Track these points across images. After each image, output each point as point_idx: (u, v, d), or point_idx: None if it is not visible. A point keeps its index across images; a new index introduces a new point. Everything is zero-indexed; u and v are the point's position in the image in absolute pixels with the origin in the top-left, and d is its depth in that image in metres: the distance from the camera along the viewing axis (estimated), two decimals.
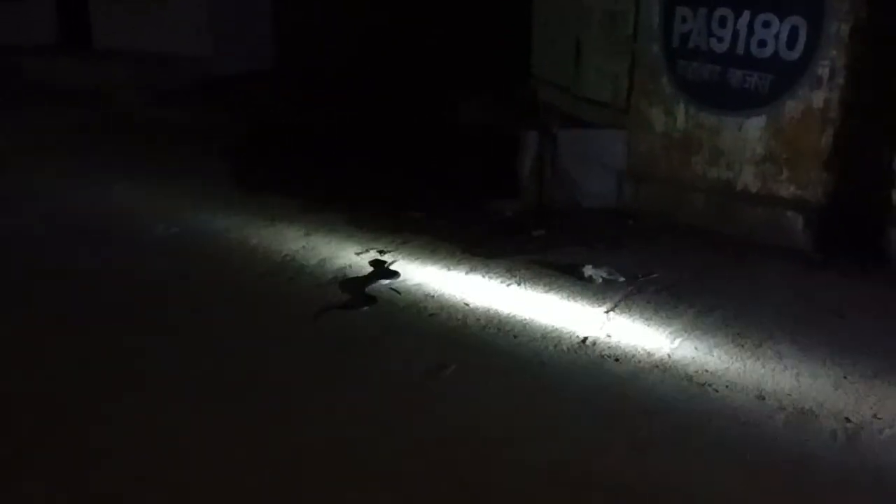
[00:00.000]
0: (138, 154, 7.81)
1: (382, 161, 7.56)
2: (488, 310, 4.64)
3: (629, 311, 4.65)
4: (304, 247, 5.55)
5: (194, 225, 5.96)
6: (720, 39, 5.72)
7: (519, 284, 4.98)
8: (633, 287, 4.96)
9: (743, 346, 4.29)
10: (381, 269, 5.15)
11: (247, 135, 8.48)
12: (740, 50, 5.63)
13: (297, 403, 3.71)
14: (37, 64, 11.04)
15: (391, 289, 4.89)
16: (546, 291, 4.89)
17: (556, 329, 4.42)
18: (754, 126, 5.65)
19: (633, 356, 4.17)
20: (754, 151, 5.68)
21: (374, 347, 4.25)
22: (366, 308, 4.66)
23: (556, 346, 4.25)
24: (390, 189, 6.84)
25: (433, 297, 4.82)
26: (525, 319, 4.53)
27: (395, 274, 5.09)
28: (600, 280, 5.02)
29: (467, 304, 4.70)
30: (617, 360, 4.13)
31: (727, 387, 3.91)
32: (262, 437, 3.47)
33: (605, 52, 6.55)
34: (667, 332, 4.40)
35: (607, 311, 4.64)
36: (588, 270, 5.08)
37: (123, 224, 5.94)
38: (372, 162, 7.54)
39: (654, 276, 5.12)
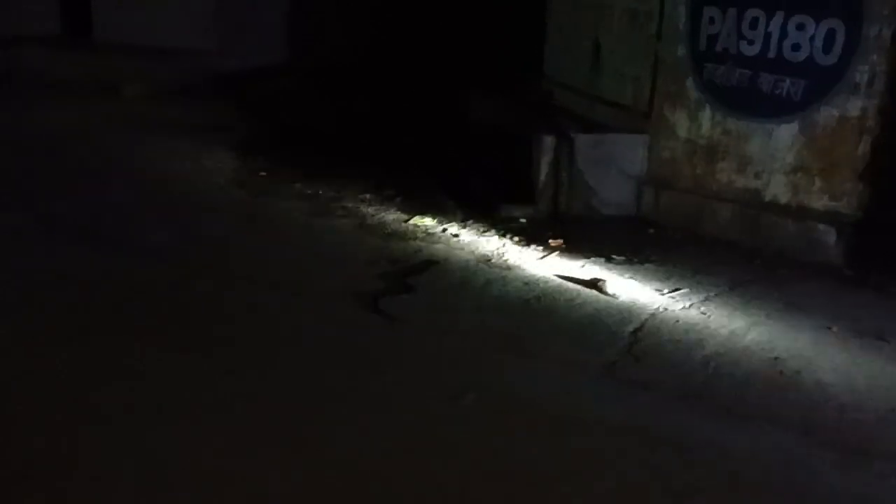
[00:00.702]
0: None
1: (393, 161, 7.20)
2: (506, 329, 4.29)
3: (657, 331, 4.30)
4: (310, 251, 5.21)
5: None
6: (751, 42, 5.36)
7: (539, 300, 4.63)
8: (659, 304, 4.61)
9: (782, 372, 3.94)
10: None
11: (248, 136, 8.09)
12: (772, 53, 5.27)
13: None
14: (38, 57, 10.64)
15: None
16: (567, 309, 4.54)
17: (582, 352, 4.07)
18: (786, 134, 5.30)
19: (664, 383, 3.82)
20: (785, 161, 5.33)
21: (389, 371, 3.90)
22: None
23: (581, 371, 3.90)
24: (403, 191, 6.48)
25: (446, 312, 4.47)
26: (547, 341, 4.18)
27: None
28: (624, 296, 4.67)
29: (484, 323, 4.35)
30: (646, 387, 3.78)
31: (769, 421, 3.56)
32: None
33: (625, 53, 6.19)
34: (699, 357, 4.06)
35: (635, 332, 4.29)
36: (611, 286, 4.73)
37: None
38: (382, 162, 7.18)
39: (682, 291, 4.77)
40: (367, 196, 6.42)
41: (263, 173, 6.97)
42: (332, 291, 4.67)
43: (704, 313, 4.52)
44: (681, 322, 4.41)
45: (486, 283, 4.85)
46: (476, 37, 9.31)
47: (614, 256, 5.28)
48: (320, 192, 6.48)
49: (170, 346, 3.98)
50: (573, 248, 5.45)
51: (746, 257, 5.31)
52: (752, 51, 5.37)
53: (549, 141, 5.98)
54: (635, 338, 4.22)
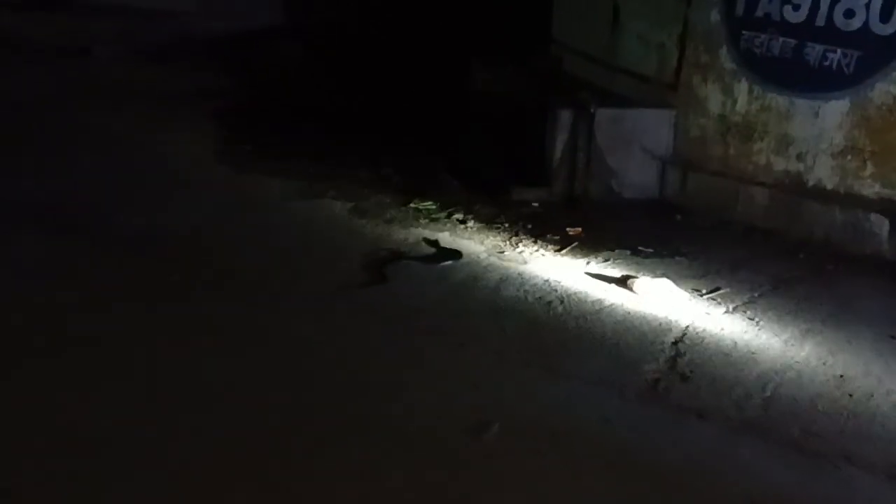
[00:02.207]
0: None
1: (390, 134, 6.50)
2: (529, 339, 3.66)
3: (702, 341, 3.69)
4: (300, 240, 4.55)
5: None
6: (796, 7, 4.70)
7: (562, 303, 4.00)
8: (699, 308, 3.99)
9: (851, 395, 3.34)
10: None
11: (232, 106, 7.35)
12: (821, 21, 4.62)
13: None
14: (2, 17, 9.78)
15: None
16: (597, 313, 3.91)
17: (618, 369, 3.45)
18: (834, 112, 4.66)
19: (719, 410, 3.21)
20: (832, 142, 4.69)
21: (396, 395, 3.27)
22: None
23: (620, 394, 3.28)
24: (401, 170, 5.80)
25: (458, 318, 3.83)
26: (577, 354, 3.56)
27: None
28: (659, 297, 4.05)
29: (504, 331, 3.72)
30: (700, 415, 3.17)
31: (847, 458, 2.97)
32: None
33: (649, 17, 5.51)
34: (755, 375, 3.45)
35: (676, 342, 3.67)
36: (643, 285, 4.11)
37: None
38: (378, 135, 6.48)
39: (722, 292, 4.16)
40: (363, 175, 5.74)
41: (248, 147, 6.26)
42: (323, 290, 4.01)
43: (752, 318, 3.90)
44: (726, 330, 3.79)
45: (501, 281, 4.21)
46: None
47: (641, 248, 4.66)
48: (311, 170, 5.79)
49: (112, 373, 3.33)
50: (594, 237, 4.82)
51: (788, 249, 4.70)
52: (797, 17, 4.71)
53: (565, 116, 5.31)
54: (677, 350, 3.60)
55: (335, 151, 6.17)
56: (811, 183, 4.80)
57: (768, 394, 3.33)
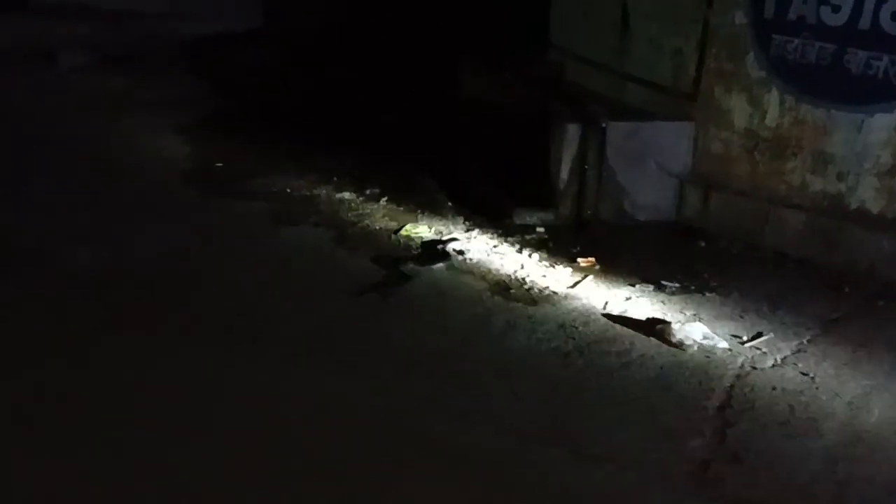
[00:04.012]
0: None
1: (376, 148, 5.83)
2: (546, 406, 3.01)
3: (752, 406, 3.05)
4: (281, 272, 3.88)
5: None
6: (836, 9, 4.06)
7: (582, 355, 3.35)
8: (743, 358, 3.35)
9: None
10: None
11: (204, 116, 6.65)
12: (865, 24, 3.98)
13: None
14: None
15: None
16: (623, 368, 3.27)
17: (657, 445, 2.81)
18: (880, 126, 4.02)
19: (785, 502, 2.58)
20: (878, 160, 4.06)
21: (390, 486, 2.61)
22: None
23: (663, 482, 2.64)
24: (390, 189, 5.14)
25: (459, 377, 3.18)
26: (605, 425, 2.91)
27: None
28: (695, 346, 3.41)
29: (515, 394, 3.06)
30: None
31: None
32: None
33: (663, 19, 4.86)
34: (820, 451, 2.81)
35: (722, 408, 3.03)
36: (677, 331, 3.46)
37: None
38: (363, 149, 5.81)
39: (765, 338, 3.52)
40: (347, 196, 5.08)
41: (220, 164, 5.58)
42: (299, 340, 3.35)
43: (805, 373, 3.27)
44: (778, 390, 3.15)
45: (509, 327, 3.56)
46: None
47: (665, 282, 4.01)
48: (289, 190, 5.13)
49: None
50: (609, 267, 4.18)
51: (828, 282, 4.06)
52: (837, 19, 4.07)
53: (572, 130, 4.66)
54: (725, 419, 2.96)
55: (315, 168, 5.49)
56: (853, 206, 4.17)
57: (840, 476, 2.69)
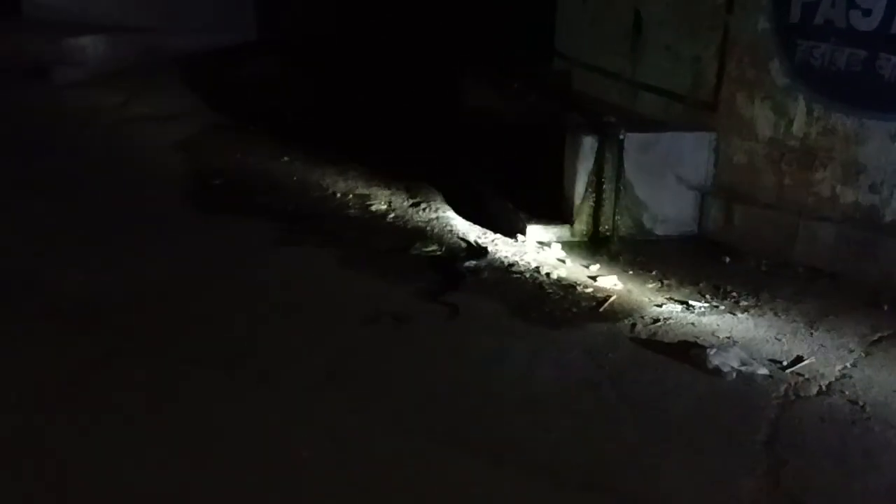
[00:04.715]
0: None
1: (378, 161, 5.55)
2: (584, 447, 2.75)
3: (802, 441, 2.79)
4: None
5: None
6: (866, 12, 3.83)
7: (614, 386, 3.09)
8: (785, 386, 3.10)
9: None
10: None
11: (200, 130, 6.36)
12: None
13: None
14: None
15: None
16: (660, 400, 3.01)
17: (706, 486, 2.55)
18: None
19: None
20: None
21: None
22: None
23: None
24: (395, 207, 4.87)
25: (484, 414, 2.91)
26: (649, 466, 2.65)
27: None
28: (733, 373, 3.15)
29: (549, 434, 2.79)
30: None
31: None
32: None
33: (680, 25, 4.62)
34: (884, 492, 2.55)
35: (769, 443, 2.77)
36: (713, 356, 3.20)
37: None
38: (365, 163, 5.53)
39: (806, 362, 3.26)
40: (352, 213, 4.82)
41: (218, 181, 5.30)
42: (314, 377, 3.08)
43: (854, 402, 3.01)
44: (828, 421, 2.90)
45: (533, 355, 3.29)
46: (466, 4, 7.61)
47: (693, 302, 3.76)
48: (289, 208, 4.86)
49: None
50: (632, 286, 3.93)
51: (865, 299, 3.81)
52: (868, 23, 3.83)
53: (588, 143, 4.40)
54: (776, 455, 2.70)
55: (317, 184, 5.23)
56: (888, 218, 3.93)
57: None
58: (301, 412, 2.85)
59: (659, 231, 4.52)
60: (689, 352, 3.27)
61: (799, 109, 4.11)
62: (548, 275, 4.02)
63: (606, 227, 4.46)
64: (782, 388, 3.08)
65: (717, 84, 4.43)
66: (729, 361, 3.18)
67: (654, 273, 4.08)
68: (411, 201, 5.01)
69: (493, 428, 2.81)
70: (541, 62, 6.22)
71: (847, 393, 3.07)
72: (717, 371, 3.15)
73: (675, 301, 3.78)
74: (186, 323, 3.44)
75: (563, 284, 3.93)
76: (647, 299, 3.80)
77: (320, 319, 3.53)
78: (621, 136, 4.36)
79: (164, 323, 3.44)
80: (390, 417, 2.84)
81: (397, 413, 2.87)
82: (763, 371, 3.18)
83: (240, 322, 3.49)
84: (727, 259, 4.23)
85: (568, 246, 4.40)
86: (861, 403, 3.00)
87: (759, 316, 3.65)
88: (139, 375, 3.04)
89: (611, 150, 4.39)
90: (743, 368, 3.17)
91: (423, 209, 4.89)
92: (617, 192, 4.43)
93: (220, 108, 7.08)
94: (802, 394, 3.06)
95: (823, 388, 3.10)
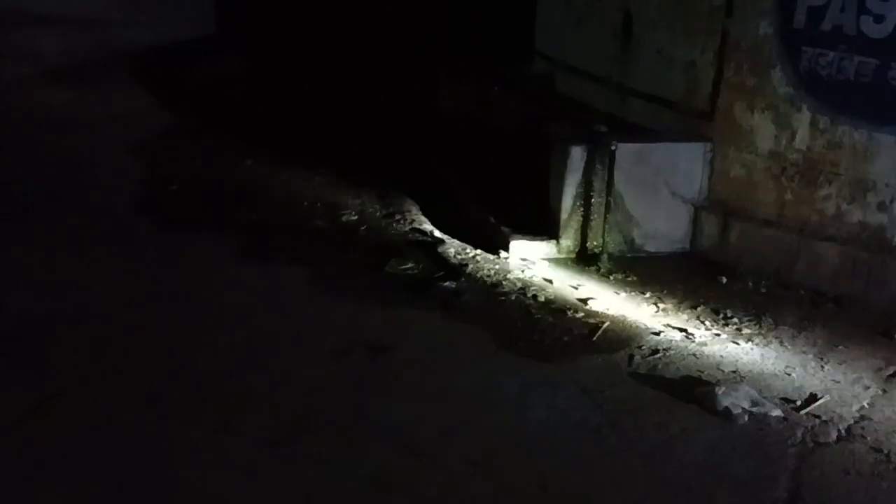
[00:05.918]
0: None
1: (349, 168, 5.19)
2: (584, 500, 2.43)
3: (827, 499, 2.50)
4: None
5: None
6: (879, 18, 3.57)
7: (614, 429, 2.78)
8: (802, 430, 2.81)
9: None
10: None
11: (158, 133, 5.94)
12: None
13: None
14: None
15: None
16: (665, 444, 2.71)
17: None
18: None
19: None
20: None
21: None
22: None
23: None
24: (368, 218, 4.52)
25: (474, 461, 2.59)
26: None
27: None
28: (744, 416, 2.86)
29: (546, 487, 2.48)
30: None
31: None
32: None
33: (674, 28, 4.33)
34: None
35: (791, 501, 2.48)
36: (721, 396, 2.90)
37: None
38: (335, 171, 5.17)
39: (821, 401, 2.98)
40: (320, 224, 4.46)
41: (176, 187, 4.90)
42: (282, 424, 2.73)
43: (878, 449, 2.74)
44: (853, 474, 2.62)
45: (523, 393, 2.97)
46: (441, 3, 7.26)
47: (692, 330, 3.46)
48: (254, 218, 4.49)
49: None
50: (626, 311, 3.62)
51: (874, 327, 3.55)
52: (880, 31, 3.57)
53: (577, 153, 4.08)
54: None
55: (284, 192, 4.86)
56: None
57: None
58: (266, 467, 2.50)
59: (650, 248, 4.23)
60: (694, 390, 2.98)
61: (802, 120, 3.84)
62: (535, 297, 3.71)
63: (595, 243, 4.15)
64: (799, 433, 2.79)
65: (714, 91, 4.14)
66: (739, 402, 2.89)
67: (647, 295, 3.79)
68: (384, 211, 4.67)
69: (487, 482, 2.49)
70: (521, 62, 5.91)
71: (868, 439, 2.79)
72: (727, 413, 2.85)
73: (674, 328, 3.48)
74: (139, 357, 3.06)
75: (552, 308, 3.62)
76: (643, 326, 3.50)
77: (287, 352, 3.17)
78: (613, 147, 4.05)
79: (110, 357, 3.06)
80: (369, 472, 2.50)
81: (378, 468, 2.53)
82: (776, 413, 2.89)
83: (200, 356, 3.11)
84: (724, 279, 3.95)
85: (554, 263, 4.09)
86: (885, 451, 2.73)
87: (765, 346, 3.37)
88: (81, 423, 2.67)
89: (601, 161, 4.08)
90: (754, 410, 2.89)
91: (398, 220, 4.56)
92: (607, 205, 4.13)
93: (178, 107, 6.65)
94: (821, 440, 2.78)
95: (843, 432, 2.82)
